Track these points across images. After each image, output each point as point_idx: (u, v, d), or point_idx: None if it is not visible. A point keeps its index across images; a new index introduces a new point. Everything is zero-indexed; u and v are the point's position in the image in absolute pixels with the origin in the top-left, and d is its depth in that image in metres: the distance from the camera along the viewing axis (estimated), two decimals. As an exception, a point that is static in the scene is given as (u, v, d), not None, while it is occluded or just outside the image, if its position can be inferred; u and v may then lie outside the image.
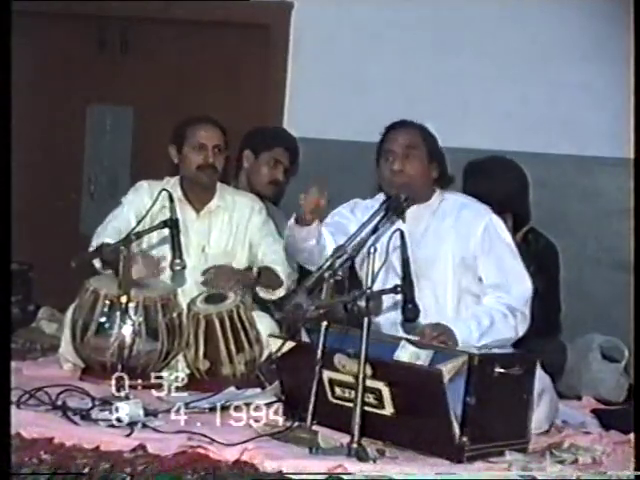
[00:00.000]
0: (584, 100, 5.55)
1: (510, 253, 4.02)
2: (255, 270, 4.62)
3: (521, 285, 3.98)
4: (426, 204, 4.07)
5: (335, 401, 3.66)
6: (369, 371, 3.48)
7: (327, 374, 3.65)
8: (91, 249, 4.42)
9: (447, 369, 3.40)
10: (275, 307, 4.83)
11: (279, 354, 3.76)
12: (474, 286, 4.01)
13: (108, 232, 4.51)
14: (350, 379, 3.53)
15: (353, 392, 3.47)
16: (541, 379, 3.77)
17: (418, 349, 3.62)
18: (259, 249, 4.74)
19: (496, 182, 4.74)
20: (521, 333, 3.93)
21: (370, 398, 3.52)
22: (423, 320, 3.81)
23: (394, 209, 3.90)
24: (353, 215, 4.09)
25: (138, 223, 4.30)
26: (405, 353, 3.63)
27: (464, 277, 4.00)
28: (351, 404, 3.46)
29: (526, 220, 4.84)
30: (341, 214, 4.14)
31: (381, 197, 4.07)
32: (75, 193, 6.44)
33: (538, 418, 3.73)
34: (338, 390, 3.65)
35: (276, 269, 4.64)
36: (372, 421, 3.48)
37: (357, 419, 3.40)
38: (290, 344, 3.75)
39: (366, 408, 3.48)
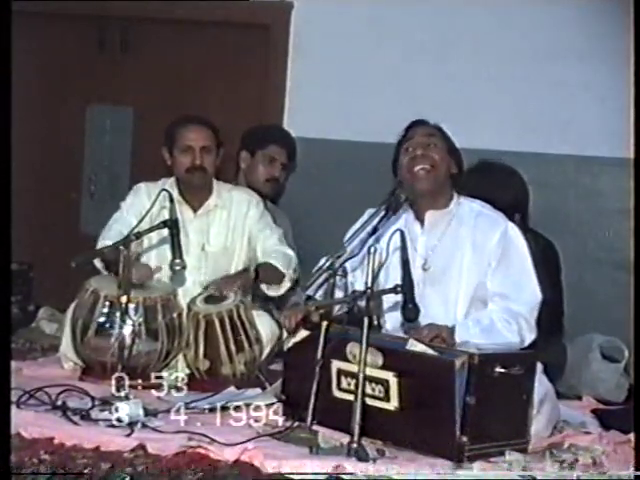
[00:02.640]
0: (584, 100, 5.55)
1: (522, 262, 3.98)
2: (252, 270, 4.61)
3: (529, 293, 3.95)
4: (446, 209, 4.04)
5: (339, 395, 3.66)
6: (379, 360, 3.50)
7: (336, 364, 3.65)
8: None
9: (459, 362, 3.41)
10: (275, 307, 4.84)
11: (290, 344, 3.75)
12: (486, 293, 3.97)
13: (111, 235, 4.51)
14: (359, 370, 3.53)
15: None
16: (543, 386, 3.76)
17: (425, 347, 3.61)
18: (257, 243, 4.75)
19: (503, 183, 4.75)
20: (527, 341, 3.89)
21: (376, 390, 3.53)
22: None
23: (394, 209, 3.89)
24: None
25: (136, 225, 4.29)
26: (415, 349, 3.62)
27: (477, 285, 3.96)
28: (354, 397, 3.45)
29: (526, 222, 4.84)
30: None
31: None
32: (75, 193, 6.44)
33: (537, 426, 3.70)
34: (344, 382, 3.65)
35: (275, 263, 4.64)
36: (374, 418, 3.48)
37: (357, 419, 3.39)
38: (303, 333, 3.74)
39: (370, 402, 3.49)
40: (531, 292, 3.96)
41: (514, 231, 4.02)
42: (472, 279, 3.96)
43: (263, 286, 4.64)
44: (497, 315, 3.88)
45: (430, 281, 3.93)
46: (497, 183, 4.76)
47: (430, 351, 3.57)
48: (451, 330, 3.78)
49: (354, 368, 3.55)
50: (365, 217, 4.01)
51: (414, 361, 3.54)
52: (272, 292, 4.66)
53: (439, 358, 3.52)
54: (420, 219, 4.04)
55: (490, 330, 3.84)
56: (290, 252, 4.75)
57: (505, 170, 4.88)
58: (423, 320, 3.76)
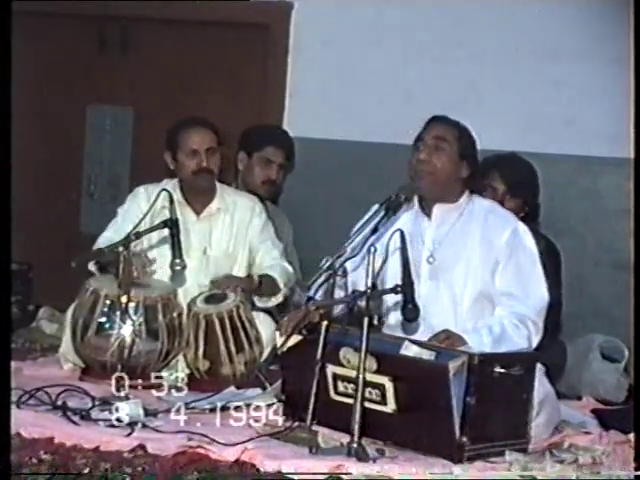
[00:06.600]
0: (584, 100, 5.55)
1: (531, 262, 3.96)
2: (256, 279, 4.61)
3: (537, 295, 3.93)
4: (454, 204, 4.03)
5: (337, 398, 3.66)
6: (374, 365, 3.49)
7: (331, 369, 3.64)
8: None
9: (453, 365, 3.41)
10: (275, 307, 4.83)
11: (284, 349, 3.76)
12: (493, 291, 3.96)
13: (103, 242, 4.50)
14: (354, 374, 3.51)
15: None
16: (543, 388, 3.75)
17: (421, 349, 3.61)
18: (258, 254, 4.73)
19: (528, 176, 4.78)
20: (535, 344, 3.88)
21: (373, 394, 3.53)
22: (438, 321, 3.84)
23: (393, 209, 3.89)
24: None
25: (136, 225, 4.28)
26: (409, 353, 3.63)
27: (484, 281, 3.94)
28: (352, 400, 3.45)
29: (537, 218, 4.85)
30: None
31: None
32: (75, 193, 6.44)
33: (537, 428, 3.69)
34: (341, 386, 3.64)
35: (274, 276, 4.63)
36: (373, 419, 3.49)
37: (357, 418, 3.39)
38: (296, 338, 3.74)
39: (368, 405, 3.49)
40: (539, 294, 3.94)
41: (525, 231, 4.01)
42: (479, 274, 3.95)
43: (255, 297, 4.63)
44: (507, 321, 3.85)
45: (434, 274, 3.92)
46: (521, 176, 4.77)
47: (425, 354, 3.55)
48: (462, 339, 3.74)
49: (349, 372, 3.56)
50: (370, 213, 3.99)
51: (409, 366, 3.53)
52: (261, 304, 4.65)
53: (433, 363, 3.50)
54: (427, 212, 4.03)
55: (502, 338, 3.80)
56: (289, 268, 4.73)
57: (526, 164, 4.88)
58: (426, 314, 3.76)
